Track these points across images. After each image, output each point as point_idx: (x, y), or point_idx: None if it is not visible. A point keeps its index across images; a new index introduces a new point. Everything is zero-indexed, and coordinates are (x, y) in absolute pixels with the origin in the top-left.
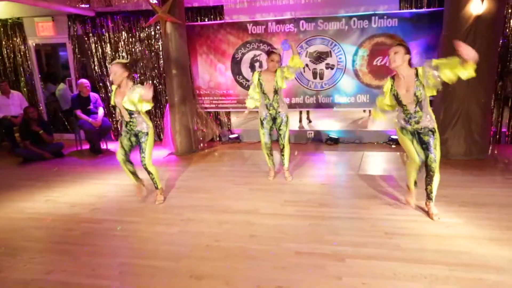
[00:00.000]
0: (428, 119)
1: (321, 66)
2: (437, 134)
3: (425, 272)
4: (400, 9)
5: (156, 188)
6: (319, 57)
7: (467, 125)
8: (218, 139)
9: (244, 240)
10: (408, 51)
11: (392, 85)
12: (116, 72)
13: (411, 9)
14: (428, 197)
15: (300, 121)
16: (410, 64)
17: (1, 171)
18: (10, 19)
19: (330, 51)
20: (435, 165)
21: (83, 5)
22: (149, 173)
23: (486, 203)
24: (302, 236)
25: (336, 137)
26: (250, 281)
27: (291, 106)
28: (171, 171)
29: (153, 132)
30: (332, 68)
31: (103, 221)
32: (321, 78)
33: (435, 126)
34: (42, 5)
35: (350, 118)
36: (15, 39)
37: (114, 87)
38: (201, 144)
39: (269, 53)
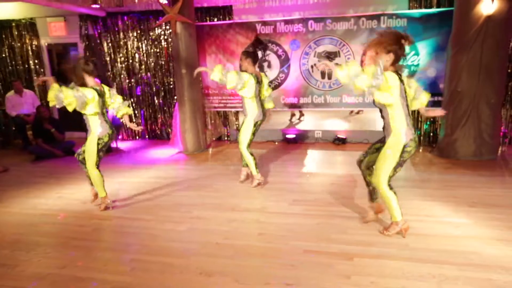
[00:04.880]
0: (389, 132)
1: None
2: (385, 150)
3: (434, 271)
4: (409, 9)
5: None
6: (328, 57)
7: (477, 126)
8: (226, 138)
9: (253, 238)
10: (390, 48)
11: None
12: None
13: (421, 9)
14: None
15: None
16: (394, 63)
17: (14, 168)
18: (23, 19)
19: (339, 51)
20: (374, 181)
21: (94, 5)
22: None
23: (496, 203)
24: (310, 234)
25: (344, 137)
26: (259, 278)
27: (298, 106)
28: (180, 169)
29: (93, 140)
30: None
31: (114, 218)
32: (329, 78)
33: (392, 141)
34: (55, 5)
35: (358, 118)
36: (28, 38)
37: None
38: (209, 143)
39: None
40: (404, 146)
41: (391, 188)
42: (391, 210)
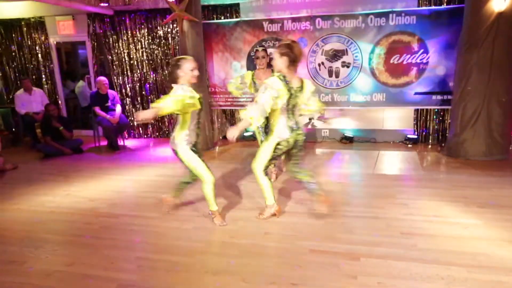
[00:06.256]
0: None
1: (337, 64)
2: (265, 143)
3: (442, 273)
4: (418, 6)
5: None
6: (335, 55)
7: (487, 125)
8: None
9: (259, 237)
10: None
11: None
12: None
13: (430, 6)
14: None
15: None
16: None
17: (23, 165)
18: (32, 18)
19: (346, 49)
20: (252, 166)
21: (102, 4)
22: None
23: (506, 204)
24: (316, 234)
25: (351, 135)
26: (265, 278)
27: None
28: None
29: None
30: (348, 66)
31: (121, 216)
32: (337, 76)
33: (269, 137)
34: (64, 4)
35: (365, 117)
36: (37, 37)
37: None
38: (216, 141)
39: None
40: (277, 144)
41: (266, 174)
42: (264, 194)
